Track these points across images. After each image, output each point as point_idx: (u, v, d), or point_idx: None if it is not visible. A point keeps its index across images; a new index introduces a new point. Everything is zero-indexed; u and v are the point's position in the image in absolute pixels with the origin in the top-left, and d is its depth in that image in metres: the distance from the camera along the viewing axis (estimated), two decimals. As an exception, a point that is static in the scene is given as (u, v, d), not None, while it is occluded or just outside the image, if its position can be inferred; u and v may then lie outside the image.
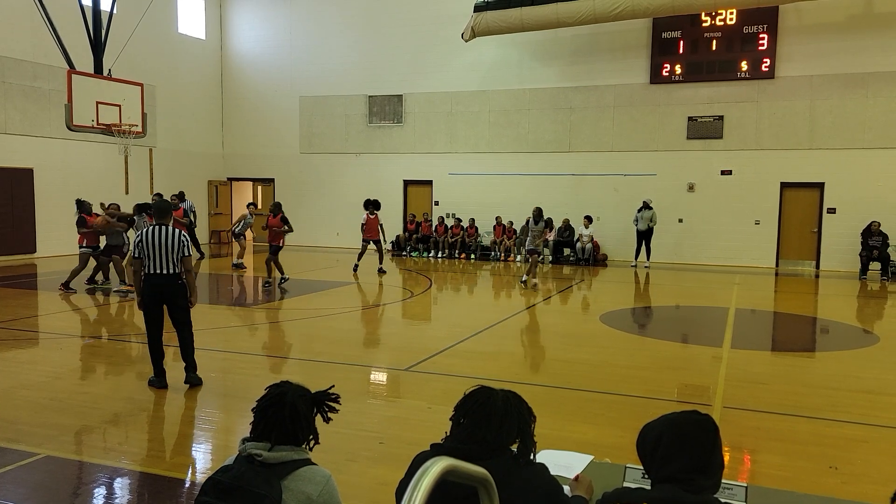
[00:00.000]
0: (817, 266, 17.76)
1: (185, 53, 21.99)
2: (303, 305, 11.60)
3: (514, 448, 2.24)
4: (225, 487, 2.14)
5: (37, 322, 10.07)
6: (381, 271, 15.47)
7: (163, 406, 6.18)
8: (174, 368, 6.79)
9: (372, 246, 15.53)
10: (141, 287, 6.50)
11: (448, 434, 2.28)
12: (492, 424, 2.19)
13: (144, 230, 6.49)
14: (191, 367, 6.65)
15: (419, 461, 2.23)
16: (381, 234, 15.55)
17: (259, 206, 23.86)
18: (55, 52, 13.97)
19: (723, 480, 2.04)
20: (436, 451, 2.11)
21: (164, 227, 6.49)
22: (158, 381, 6.57)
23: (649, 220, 17.64)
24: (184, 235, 6.61)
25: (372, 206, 15.47)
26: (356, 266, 15.42)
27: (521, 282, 13.89)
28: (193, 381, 6.60)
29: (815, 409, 6.23)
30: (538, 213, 13.56)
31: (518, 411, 2.26)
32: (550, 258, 18.85)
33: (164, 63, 20.96)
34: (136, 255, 6.48)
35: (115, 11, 14.86)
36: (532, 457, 2.26)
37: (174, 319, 6.62)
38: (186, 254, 6.57)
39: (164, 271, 6.43)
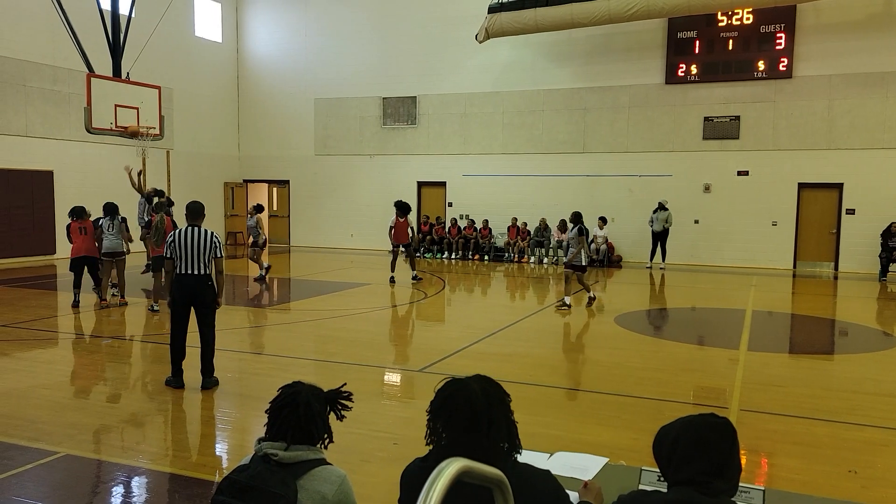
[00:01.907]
0: (836, 267, 17.56)
1: (202, 56, 22.17)
2: (317, 306, 11.65)
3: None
4: (241, 487, 2.16)
5: (56, 322, 10.19)
6: (416, 278, 14.39)
7: (180, 406, 6.23)
8: (191, 368, 6.84)
9: (402, 251, 14.52)
10: (170, 287, 6.56)
11: (433, 444, 2.10)
12: (480, 431, 1.99)
13: (177, 231, 6.54)
14: (209, 371, 6.64)
15: (407, 476, 2.21)
16: (410, 238, 14.43)
17: (276, 208, 24.06)
18: (75, 55, 14.14)
19: (740, 484, 2.02)
20: (425, 469, 1.91)
21: (196, 228, 6.55)
22: (175, 381, 6.61)
23: (664, 222, 17.54)
24: (216, 237, 6.65)
25: (399, 209, 14.29)
26: (392, 278, 14.27)
27: (561, 306, 11.68)
28: (209, 386, 6.60)
29: (833, 412, 6.16)
30: (573, 217, 11.76)
31: (500, 400, 2.08)
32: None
33: (182, 66, 21.14)
34: (168, 256, 6.54)
35: (133, 15, 15.01)
36: (519, 446, 2.10)
37: (201, 320, 6.63)
38: (219, 255, 6.61)
39: (196, 272, 6.48)
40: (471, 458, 1.77)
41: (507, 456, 2.05)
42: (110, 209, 11.32)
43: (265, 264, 14.48)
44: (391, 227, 14.41)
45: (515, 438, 2.10)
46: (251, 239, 14.58)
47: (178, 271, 6.50)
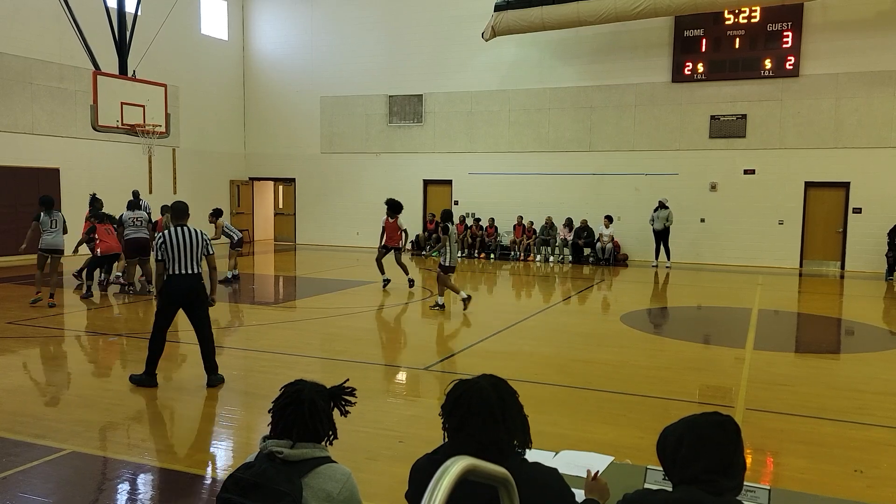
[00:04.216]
0: (842, 266, 17.50)
1: (208, 54, 22.21)
2: (322, 304, 11.66)
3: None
4: (246, 485, 2.16)
5: (62, 319, 10.23)
6: (412, 283, 13.34)
7: (186, 403, 6.25)
8: (196, 365, 6.85)
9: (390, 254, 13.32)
10: (162, 289, 6.51)
11: (446, 443, 2.13)
12: (497, 422, 2.04)
13: (166, 232, 6.47)
14: (213, 369, 6.64)
15: (416, 470, 2.22)
16: (402, 242, 13.31)
17: (282, 206, 24.11)
18: (81, 53, 14.19)
19: (746, 483, 2.02)
20: (434, 463, 1.93)
21: (185, 228, 6.51)
22: (150, 380, 6.54)
23: (665, 220, 17.50)
24: (205, 234, 6.66)
25: (389, 208, 13.13)
26: (385, 280, 13.22)
27: (433, 306, 11.02)
28: (215, 383, 6.59)
29: (839, 411, 6.14)
30: (441, 216, 11.31)
31: (510, 394, 2.14)
32: (570, 258, 18.76)
33: (188, 64, 21.19)
34: (160, 258, 6.46)
35: (139, 13, 15.06)
36: (530, 441, 2.15)
37: (198, 319, 6.59)
38: (210, 252, 6.62)
39: (191, 271, 6.46)
40: (485, 453, 1.89)
41: (518, 452, 2.09)
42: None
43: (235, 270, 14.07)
44: (383, 228, 13.30)
45: (528, 434, 2.14)
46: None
47: (172, 272, 6.41)
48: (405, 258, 14.16)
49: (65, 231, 11.35)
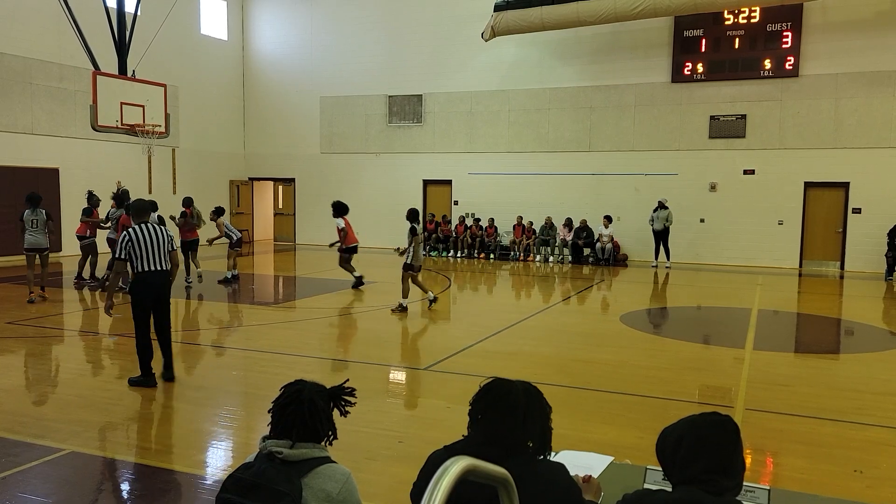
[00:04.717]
0: (842, 267, 17.50)
1: (208, 54, 22.21)
2: (321, 304, 11.66)
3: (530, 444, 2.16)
4: (246, 485, 2.16)
5: (62, 320, 10.23)
6: (359, 281, 13.30)
7: (185, 403, 6.25)
8: (195, 366, 6.85)
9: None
10: (115, 289, 6.61)
11: (467, 432, 2.20)
12: (516, 419, 2.10)
13: (131, 230, 6.44)
14: (170, 363, 6.75)
15: (433, 462, 2.23)
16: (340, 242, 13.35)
17: (281, 206, 24.10)
18: (80, 53, 14.18)
19: (745, 483, 2.02)
20: (450, 452, 2.02)
21: (149, 225, 6.53)
22: (147, 380, 6.55)
23: (665, 220, 17.50)
24: (169, 231, 6.73)
25: (334, 209, 13.26)
26: (357, 279, 13.25)
27: (395, 308, 10.81)
28: (171, 377, 6.68)
29: (839, 411, 6.14)
30: (407, 215, 11.03)
31: (540, 403, 2.19)
32: (570, 258, 18.76)
33: (187, 64, 21.18)
34: (123, 257, 6.42)
35: (139, 13, 15.04)
36: (549, 451, 2.21)
37: (162, 315, 6.66)
38: (174, 248, 6.71)
39: (160, 268, 6.50)
40: (499, 447, 2.02)
41: (532, 455, 2.13)
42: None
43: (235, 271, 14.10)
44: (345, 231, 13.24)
45: (547, 443, 2.19)
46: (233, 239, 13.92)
47: (141, 269, 6.41)
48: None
49: (50, 230, 11.52)
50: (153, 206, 12.12)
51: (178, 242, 12.00)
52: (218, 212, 13.89)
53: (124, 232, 6.49)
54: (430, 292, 11.08)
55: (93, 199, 13.44)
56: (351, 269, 13.34)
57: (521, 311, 11.61)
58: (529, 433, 2.13)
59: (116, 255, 6.52)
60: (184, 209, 13.57)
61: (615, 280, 15.72)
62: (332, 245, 14.02)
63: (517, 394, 2.15)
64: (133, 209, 6.81)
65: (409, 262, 10.89)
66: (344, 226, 13.19)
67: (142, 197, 9.85)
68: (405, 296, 10.85)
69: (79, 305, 11.37)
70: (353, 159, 22.26)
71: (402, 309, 10.77)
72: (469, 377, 7.08)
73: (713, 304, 12.69)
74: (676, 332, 10.34)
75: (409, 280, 10.96)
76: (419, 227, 10.93)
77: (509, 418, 2.10)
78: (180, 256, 9.74)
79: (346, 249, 13.34)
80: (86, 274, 13.29)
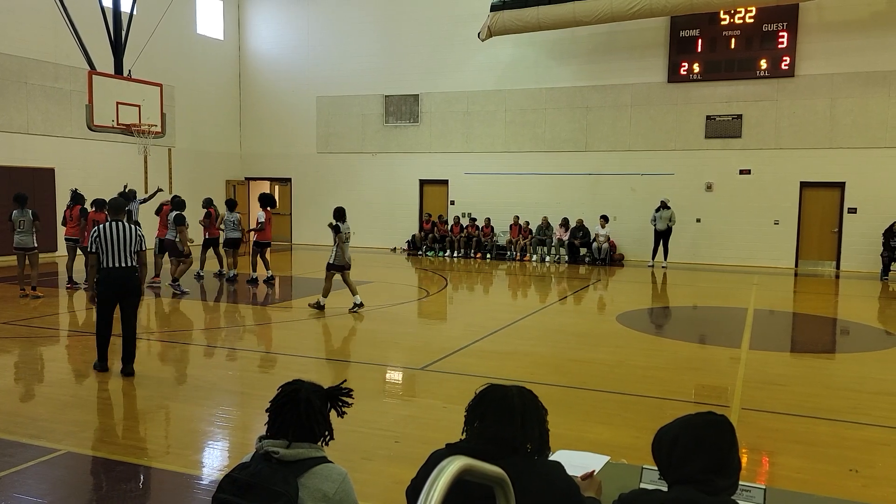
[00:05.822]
0: (837, 266, 17.54)
1: (204, 54, 22.17)
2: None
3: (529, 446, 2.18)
4: (242, 485, 2.16)
5: (58, 320, 10.20)
6: (271, 279, 13.92)
7: (181, 403, 6.23)
8: (193, 366, 6.84)
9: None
10: (95, 281, 6.83)
11: (465, 436, 2.21)
12: (514, 423, 2.13)
13: (101, 226, 6.79)
14: (131, 358, 6.95)
15: (435, 460, 2.23)
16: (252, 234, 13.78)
17: (277, 206, 24.04)
18: (76, 53, 14.15)
19: (741, 482, 2.02)
20: (451, 450, 2.05)
21: (120, 223, 6.82)
22: (101, 365, 7.04)
23: (668, 220, 17.53)
24: (140, 231, 6.97)
25: (260, 201, 13.86)
26: (270, 277, 13.87)
27: (313, 305, 10.86)
28: (131, 372, 6.88)
29: (835, 411, 6.16)
30: (334, 213, 11.00)
31: (535, 406, 2.22)
32: (566, 258, 18.77)
33: (183, 63, 21.14)
34: (93, 250, 6.76)
35: (134, 12, 15.01)
36: (548, 451, 2.23)
37: (127, 311, 6.91)
38: (143, 248, 6.93)
39: (123, 264, 6.77)
40: (499, 448, 2.05)
41: (530, 455, 2.15)
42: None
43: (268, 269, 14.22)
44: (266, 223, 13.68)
45: (545, 444, 2.21)
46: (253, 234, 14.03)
47: (105, 265, 6.72)
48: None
49: (37, 229, 11.74)
50: (129, 199, 12.51)
51: (190, 243, 12.50)
52: (207, 202, 14.34)
53: (94, 228, 6.87)
54: (357, 296, 10.85)
55: (77, 198, 13.06)
56: (266, 264, 13.90)
57: (517, 311, 11.62)
58: (528, 436, 2.15)
59: (88, 250, 6.92)
60: (207, 209, 14.20)
61: (611, 280, 15.74)
62: (249, 231, 14.45)
63: (513, 398, 2.18)
64: (109, 207, 7.13)
65: (330, 261, 10.83)
66: (265, 220, 13.67)
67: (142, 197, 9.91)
68: (325, 295, 10.77)
69: (73, 305, 11.34)
70: (350, 159, 22.24)
71: (318, 307, 10.71)
72: (466, 377, 7.08)
73: (709, 304, 12.71)
74: (673, 332, 10.35)
75: (332, 280, 10.85)
76: (344, 226, 10.80)
77: (507, 423, 2.12)
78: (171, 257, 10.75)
79: (260, 244, 13.82)
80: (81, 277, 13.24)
